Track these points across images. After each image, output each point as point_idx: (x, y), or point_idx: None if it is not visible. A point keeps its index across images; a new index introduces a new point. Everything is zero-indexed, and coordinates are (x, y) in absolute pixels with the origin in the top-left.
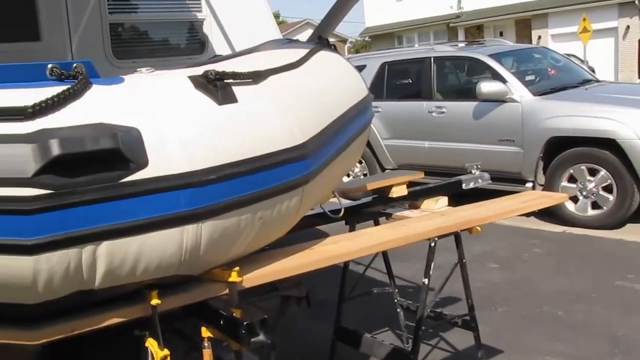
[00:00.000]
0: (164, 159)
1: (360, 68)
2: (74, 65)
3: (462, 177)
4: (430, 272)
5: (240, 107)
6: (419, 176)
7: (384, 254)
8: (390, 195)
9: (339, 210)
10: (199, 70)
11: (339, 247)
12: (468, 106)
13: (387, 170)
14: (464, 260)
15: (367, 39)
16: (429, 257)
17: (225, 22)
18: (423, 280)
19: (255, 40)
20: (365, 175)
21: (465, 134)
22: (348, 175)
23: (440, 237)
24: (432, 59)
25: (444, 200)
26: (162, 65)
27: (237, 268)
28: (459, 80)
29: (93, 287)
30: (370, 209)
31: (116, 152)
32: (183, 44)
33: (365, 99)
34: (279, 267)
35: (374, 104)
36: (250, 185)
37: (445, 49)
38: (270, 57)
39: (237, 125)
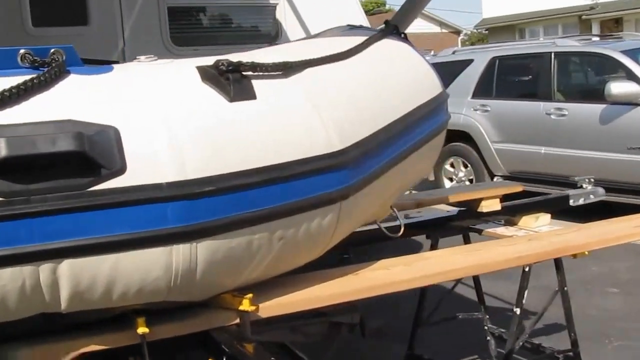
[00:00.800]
0: (148, 165)
1: (466, 63)
2: (52, 51)
3: (571, 192)
4: (524, 300)
5: (259, 104)
6: (514, 189)
7: None
8: (479, 210)
9: (398, 228)
10: (212, 60)
11: (388, 274)
12: (594, 109)
13: (496, 179)
14: (565, 289)
15: (484, 31)
16: (521, 284)
17: (302, 7)
18: (514, 309)
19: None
20: (471, 181)
21: (589, 140)
22: (451, 180)
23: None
24: (552, 54)
25: (545, 218)
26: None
27: (249, 295)
28: (585, 79)
29: (59, 310)
30: (458, 223)
31: (81, 155)
32: (253, 30)
33: (437, 98)
34: (307, 296)
35: (483, 102)
36: (266, 200)
37: (569, 44)
38: (321, 46)
39: (252, 127)
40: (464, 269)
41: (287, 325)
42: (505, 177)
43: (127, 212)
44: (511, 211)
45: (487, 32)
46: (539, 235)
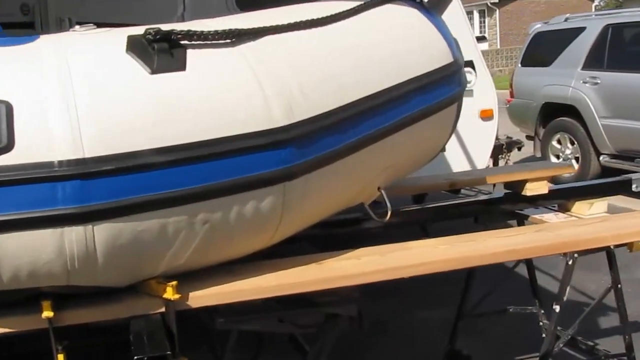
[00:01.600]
0: (40, 142)
1: (578, 31)
2: None
3: (634, 176)
4: (565, 297)
5: (186, 76)
6: (565, 171)
7: (528, 260)
8: (524, 193)
9: (385, 212)
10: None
11: (355, 264)
12: None
13: (602, 157)
14: (619, 286)
15: None
16: (564, 278)
17: None
18: (553, 306)
19: None
20: (577, 159)
21: None
22: (557, 158)
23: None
24: None
25: (601, 205)
26: None
27: (174, 282)
28: None
29: None
30: (502, 206)
31: None
32: None
33: (444, 68)
34: (247, 286)
35: (593, 74)
36: (181, 180)
37: None
38: (311, 10)
39: (173, 101)
40: (443, 262)
41: (273, 314)
42: (612, 156)
43: (11, 191)
44: (560, 195)
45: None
46: (557, 225)
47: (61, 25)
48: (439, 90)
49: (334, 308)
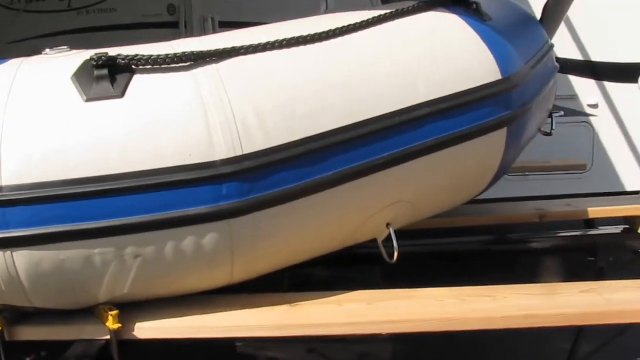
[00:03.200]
0: None
1: None
2: None
3: None
4: None
5: (122, 104)
6: None
7: None
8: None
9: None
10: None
11: (326, 312)
12: None
13: None
14: None
15: None
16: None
17: None
18: None
19: None
20: None
21: None
22: None
23: None
24: None
25: None
26: None
27: (114, 312)
28: None
29: None
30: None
31: None
32: None
33: (484, 87)
34: (195, 324)
35: None
36: (106, 211)
37: None
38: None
39: (105, 130)
40: (433, 322)
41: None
42: None
43: None
44: None
45: None
46: (617, 285)
47: (204, 24)
48: (474, 113)
49: (367, 345)
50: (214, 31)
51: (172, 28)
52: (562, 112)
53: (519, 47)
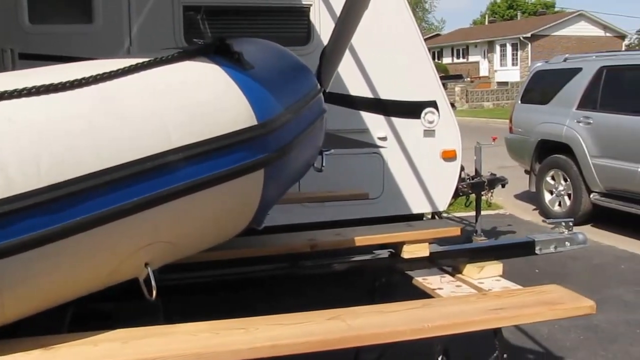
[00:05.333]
0: None
1: (575, 71)
2: None
3: (537, 238)
4: None
5: None
6: (450, 232)
7: None
8: (402, 255)
9: (150, 290)
10: None
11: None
12: None
13: (593, 195)
14: (505, 356)
15: None
16: None
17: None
18: None
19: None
20: (569, 195)
21: None
22: (551, 193)
23: None
24: None
25: (494, 268)
26: None
27: None
28: None
29: None
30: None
31: None
32: (280, 33)
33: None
34: None
35: (586, 114)
36: None
37: None
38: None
39: None
40: (178, 358)
41: None
42: (601, 194)
43: None
44: (444, 257)
45: None
46: (360, 311)
47: (3, 56)
48: (229, 156)
49: None
50: (14, 64)
51: None
52: (332, 150)
53: (279, 94)
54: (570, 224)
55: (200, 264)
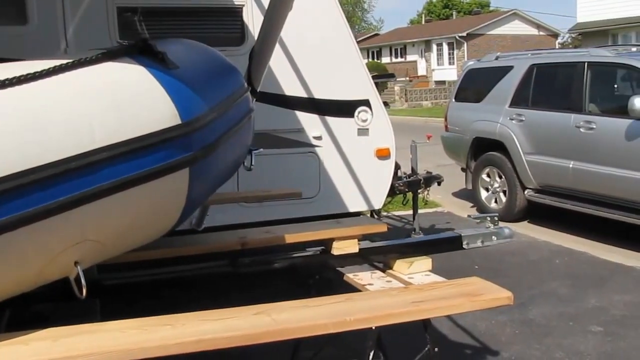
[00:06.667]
0: None
1: (507, 69)
2: None
3: (464, 232)
4: None
5: None
6: (377, 229)
7: None
8: (332, 252)
9: (81, 289)
10: None
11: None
12: (620, 124)
13: (527, 192)
14: (436, 349)
15: (577, 36)
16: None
17: None
18: None
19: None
20: (504, 192)
21: (615, 157)
22: (487, 190)
23: None
24: (585, 64)
25: (423, 263)
26: None
27: None
28: (614, 92)
29: None
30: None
31: None
32: (214, 34)
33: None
34: None
35: (519, 111)
36: None
37: (602, 54)
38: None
39: None
40: (106, 355)
41: None
42: (536, 191)
43: None
44: (373, 253)
45: (580, 37)
46: (284, 306)
47: None
48: (152, 155)
49: None
50: None
51: None
52: (261, 149)
53: (204, 93)
54: (496, 218)
55: (133, 263)
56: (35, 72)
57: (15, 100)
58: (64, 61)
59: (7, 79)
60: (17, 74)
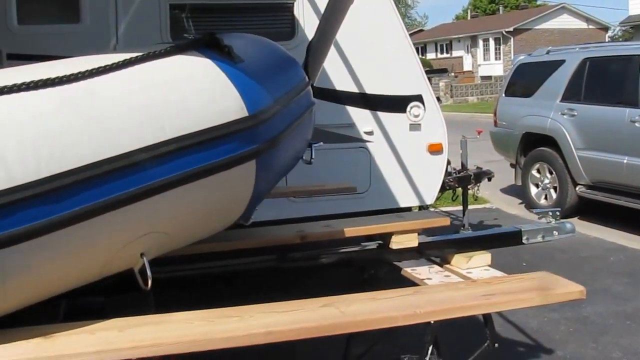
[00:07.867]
0: None
1: (558, 63)
2: None
3: (525, 227)
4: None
5: None
6: (439, 222)
7: None
8: (390, 246)
9: (145, 280)
10: None
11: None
12: None
13: (578, 188)
14: (496, 345)
15: (629, 29)
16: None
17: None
18: None
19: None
20: (555, 189)
21: None
22: (537, 187)
23: None
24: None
25: (481, 257)
26: None
27: None
28: None
29: None
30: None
31: None
32: (265, 29)
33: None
34: None
35: (570, 106)
36: None
37: None
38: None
39: None
40: (173, 346)
41: None
42: (588, 187)
43: None
44: (433, 248)
45: (632, 29)
46: (352, 299)
47: None
48: (221, 147)
49: None
50: (2, 64)
51: None
52: (321, 143)
53: (269, 86)
54: (558, 213)
55: (191, 256)
56: (106, 65)
57: (87, 93)
58: (135, 54)
59: (80, 72)
60: (88, 68)
